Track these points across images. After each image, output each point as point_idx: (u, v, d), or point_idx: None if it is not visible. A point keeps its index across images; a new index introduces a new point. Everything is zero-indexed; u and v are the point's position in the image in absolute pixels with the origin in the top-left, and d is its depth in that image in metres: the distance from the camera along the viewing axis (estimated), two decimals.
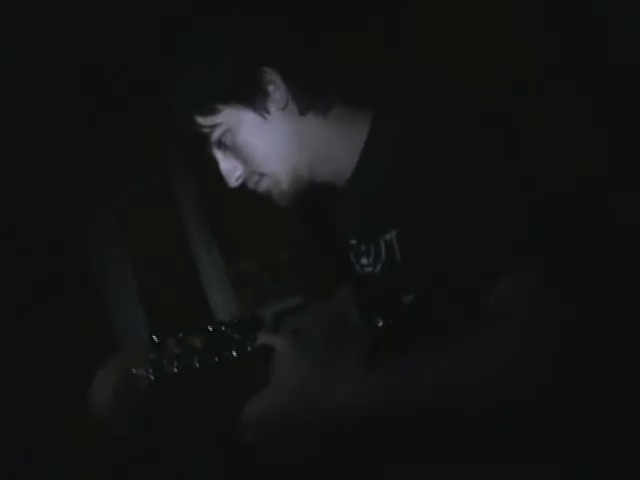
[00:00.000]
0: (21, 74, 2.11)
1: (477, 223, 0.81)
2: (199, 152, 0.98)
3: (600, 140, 1.80)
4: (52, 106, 2.26)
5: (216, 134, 0.94)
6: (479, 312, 0.80)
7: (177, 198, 2.70)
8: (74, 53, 2.10)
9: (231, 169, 0.97)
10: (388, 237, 0.91)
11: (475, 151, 0.83)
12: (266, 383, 0.84)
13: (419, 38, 1.97)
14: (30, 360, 2.42)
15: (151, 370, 0.82)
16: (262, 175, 0.96)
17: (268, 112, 0.93)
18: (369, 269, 0.97)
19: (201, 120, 0.93)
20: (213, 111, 0.92)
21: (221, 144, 0.95)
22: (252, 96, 0.92)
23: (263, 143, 0.94)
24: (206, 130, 0.94)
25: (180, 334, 0.83)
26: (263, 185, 0.97)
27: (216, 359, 0.83)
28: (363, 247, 0.97)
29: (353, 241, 1.00)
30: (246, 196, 1.00)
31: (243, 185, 0.98)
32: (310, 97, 0.94)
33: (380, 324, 0.95)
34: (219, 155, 0.97)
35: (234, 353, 0.83)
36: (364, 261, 0.98)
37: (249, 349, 0.84)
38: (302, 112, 0.94)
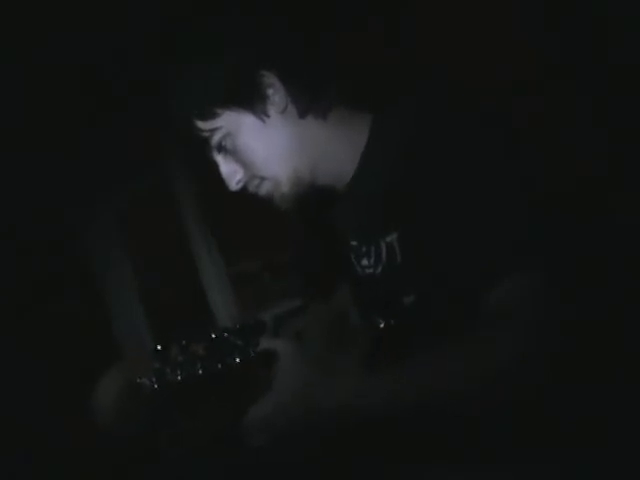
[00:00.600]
0: (21, 74, 2.11)
1: (477, 224, 0.81)
2: (199, 155, 0.98)
3: (600, 140, 1.80)
4: (52, 106, 2.26)
5: (216, 138, 0.94)
6: (479, 312, 0.81)
7: (177, 198, 2.70)
8: (74, 53, 2.10)
9: (231, 173, 0.97)
10: (389, 238, 0.91)
11: (475, 151, 0.83)
12: (269, 387, 0.84)
13: (419, 38, 1.97)
14: (30, 360, 2.42)
15: (154, 378, 0.82)
16: (263, 178, 0.96)
17: (268, 115, 0.93)
18: (370, 270, 0.97)
19: (201, 124, 0.93)
20: (213, 115, 0.92)
21: (221, 148, 0.95)
22: (251, 99, 0.92)
23: (263, 146, 0.94)
24: (206, 134, 0.94)
25: (183, 342, 0.83)
26: (264, 188, 0.97)
27: (219, 366, 0.82)
28: (364, 248, 0.97)
29: (354, 242, 1.00)
30: (246, 196, 1.00)
31: (244, 189, 0.98)
32: (310, 100, 0.94)
33: (381, 325, 0.95)
34: (219, 159, 0.97)
35: (237, 359, 0.83)
36: (365, 262, 0.98)
37: (252, 355, 0.84)
38: (302, 115, 0.94)
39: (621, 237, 1.49)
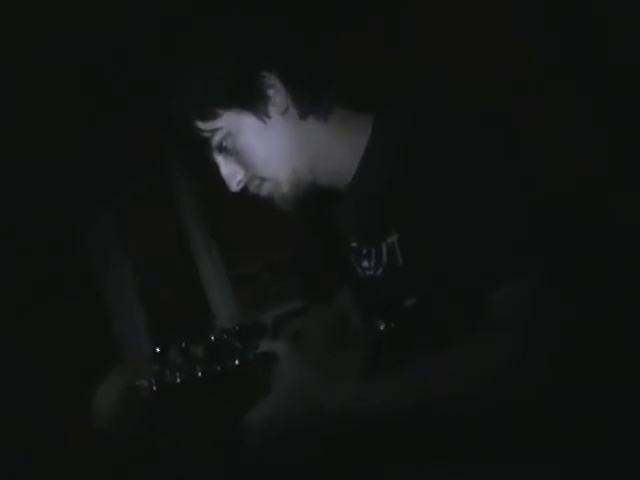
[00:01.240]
0: (21, 74, 2.11)
1: (477, 224, 0.81)
2: (199, 155, 0.98)
3: (600, 140, 1.80)
4: (52, 106, 2.26)
5: (217, 138, 0.94)
6: (479, 312, 0.81)
7: (177, 198, 2.70)
8: (74, 53, 2.09)
9: (232, 173, 0.97)
10: (390, 240, 0.91)
11: (475, 152, 0.83)
12: (268, 389, 0.84)
13: (419, 38, 1.97)
14: (30, 360, 2.42)
15: (153, 381, 0.82)
16: (263, 179, 0.96)
17: (268, 116, 0.93)
18: (370, 272, 0.97)
19: (201, 124, 0.93)
20: (213, 115, 0.92)
21: (222, 148, 0.95)
22: (252, 100, 0.92)
23: (264, 147, 0.94)
24: (207, 134, 0.93)
25: (183, 344, 0.83)
26: (264, 189, 0.97)
27: (218, 368, 0.82)
28: (364, 250, 0.97)
29: (354, 244, 1.00)
30: (247, 197, 1.00)
31: (244, 189, 0.98)
32: (310, 101, 0.94)
33: (382, 327, 0.95)
34: (220, 159, 0.97)
35: (236, 361, 0.83)
36: (365, 264, 0.97)
37: (250, 357, 0.84)
38: (302, 116, 0.94)
39: (621, 237, 1.49)
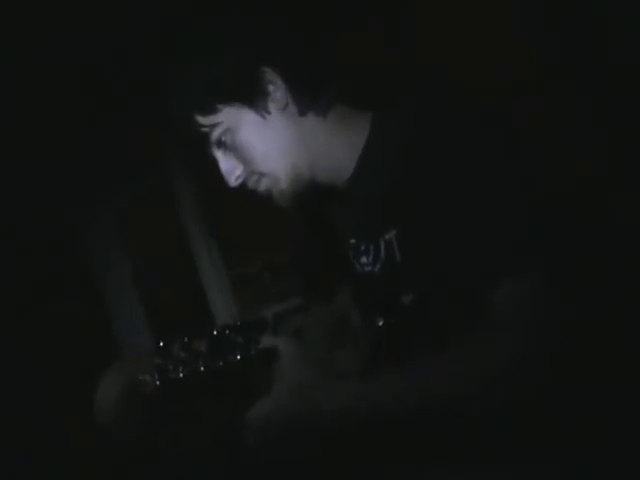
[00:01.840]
0: (21, 74, 2.11)
1: (477, 223, 0.81)
2: (199, 152, 0.98)
3: (600, 140, 1.80)
4: (52, 106, 2.26)
5: (216, 133, 0.94)
6: (479, 312, 0.81)
7: (177, 198, 2.70)
8: (74, 53, 2.10)
9: (231, 169, 0.97)
10: (388, 237, 0.91)
11: (475, 151, 0.83)
12: (269, 386, 0.84)
13: (419, 38, 1.97)
14: (30, 360, 2.42)
15: (156, 375, 0.82)
16: (262, 175, 0.96)
17: (268, 112, 0.93)
18: (369, 268, 0.97)
19: (201, 119, 0.93)
20: (213, 110, 0.92)
21: (221, 143, 0.95)
22: (252, 96, 0.92)
23: (263, 143, 0.94)
24: (206, 129, 0.94)
25: (185, 339, 0.83)
26: (263, 185, 0.97)
27: (220, 363, 0.82)
28: (363, 246, 0.97)
29: (353, 240, 1.00)
30: (246, 196, 1.00)
31: (243, 185, 0.98)
32: (310, 97, 0.94)
33: (380, 323, 0.95)
34: (219, 155, 0.97)
35: (238, 357, 0.83)
36: (364, 260, 0.98)
37: (253, 353, 0.84)
38: (302, 112, 0.94)
39: (621, 237, 1.49)
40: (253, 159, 0.95)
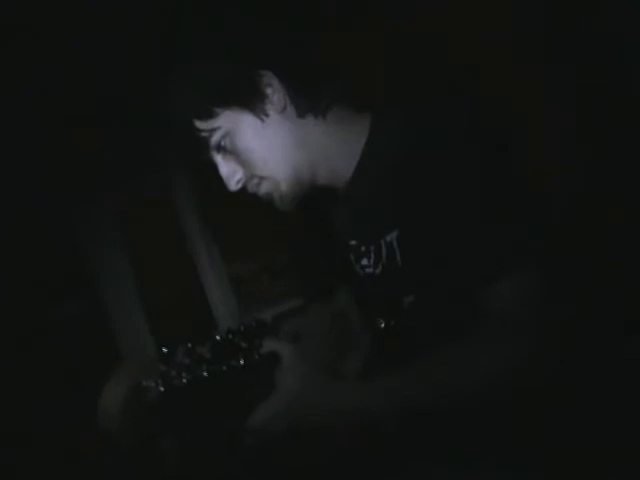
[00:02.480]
0: (21, 74, 2.11)
1: (476, 223, 0.81)
2: (199, 155, 0.97)
3: (599, 141, 1.81)
4: (52, 106, 2.26)
5: (215, 138, 0.94)
6: (479, 312, 0.81)
7: (177, 198, 2.70)
8: (73, 55, 2.10)
9: (231, 173, 0.97)
10: (388, 238, 0.91)
11: (474, 151, 0.83)
12: (270, 390, 0.84)
13: (419, 38, 1.97)
14: (30, 360, 2.42)
15: (160, 381, 0.81)
16: (262, 178, 0.96)
17: (267, 115, 0.93)
18: (369, 270, 0.97)
19: (200, 124, 0.93)
20: (212, 115, 0.92)
21: (220, 148, 0.95)
22: (251, 99, 0.91)
23: (262, 146, 0.94)
24: (205, 134, 0.93)
25: (189, 344, 0.83)
26: (263, 188, 0.97)
27: (224, 367, 0.82)
28: (363, 248, 0.97)
29: (353, 242, 1.00)
30: (246, 197, 1.00)
31: (243, 188, 0.98)
32: (309, 99, 0.94)
33: (381, 325, 0.95)
34: (218, 159, 0.96)
35: (241, 362, 0.83)
36: (364, 262, 0.98)
37: (256, 357, 0.84)
38: (301, 115, 0.94)
39: (621, 237, 1.49)
40: (253, 163, 0.94)
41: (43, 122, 2.32)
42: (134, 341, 2.69)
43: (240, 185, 0.97)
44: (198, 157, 0.98)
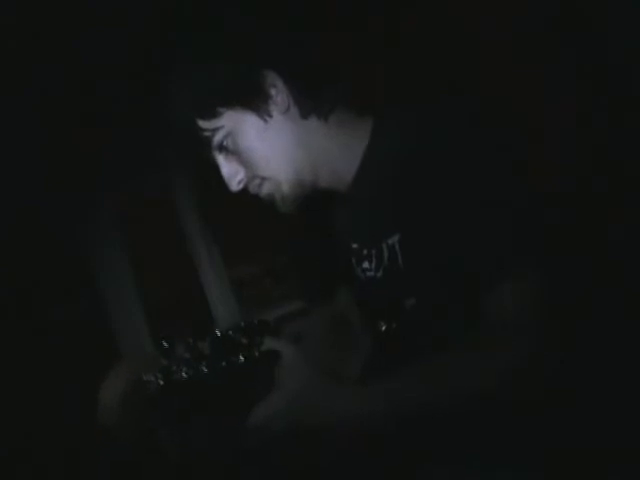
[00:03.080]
0: (21, 74, 2.11)
1: (477, 226, 0.81)
2: (200, 155, 0.97)
3: (600, 139, 1.80)
4: (52, 106, 2.26)
5: (217, 137, 0.93)
6: (480, 315, 0.81)
7: (177, 199, 2.70)
8: (74, 54, 2.09)
9: (233, 173, 0.96)
10: (390, 241, 0.91)
11: (475, 154, 0.83)
12: (270, 388, 0.84)
13: (419, 38, 1.97)
14: (29, 360, 2.42)
15: (160, 376, 0.81)
16: (264, 179, 0.96)
17: (270, 115, 0.93)
18: (371, 273, 0.97)
19: (202, 123, 0.92)
20: (215, 114, 0.92)
21: (222, 147, 0.95)
22: (254, 99, 0.91)
23: (264, 146, 0.94)
24: (207, 133, 0.93)
25: (190, 339, 0.83)
26: (265, 189, 0.97)
27: (223, 364, 0.82)
28: (365, 251, 0.97)
29: (355, 245, 1.00)
30: (247, 198, 0.99)
31: (245, 189, 0.98)
32: (312, 101, 0.94)
33: (383, 328, 0.95)
34: (220, 159, 0.96)
35: (241, 358, 0.83)
36: (365, 265, 0.97)
37: (256, 354, 0.84)
38: (304, 116, 0.94)
39: (621, 238, 1.49)
40: (255, 163, 0.94)
41: (43, 122, 2.31)
42: (134, 341, 2.68)
43: (241, 185, 0.97)
44: (200, 157, 0.98)
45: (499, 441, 0.87)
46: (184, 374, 0.81)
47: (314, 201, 0.99)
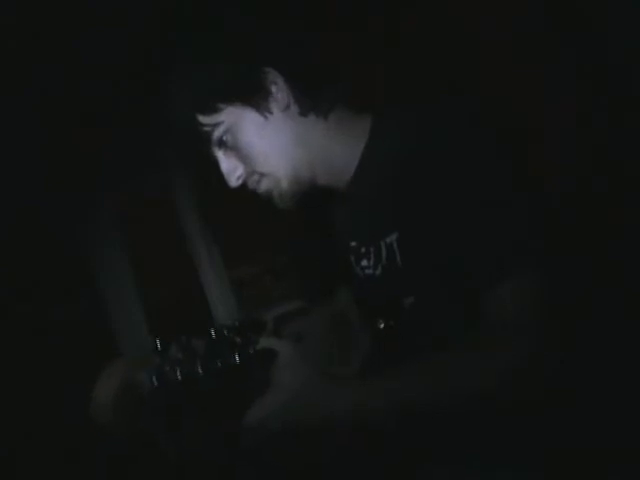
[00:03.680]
0: (21, 74, 2.11)
1: (476, 225, 0.81)
2: (200, 152, 0.97)
3: (600, 139, 1.80)
4: (52, 106, 2.26)
5: (217, 133, 0.94)
6: (479, 314, 0.81)
7: (177, 199, 2.70)
8: (74, 53, 2.09)
9: (232, 169, 0.97)
10: (388, 239, 0.91)
11: (474, 152, 0.83)
12: (267, 388, 0.84)
13: (419, 38, 1.97)
14: (29, 360, 2.42)
15: (154, 376, 0.81)
16: (262, 175, 0.96)
17: (270, 112, 0.93)
18: (369, 271, 0.97)
19: (203, 118, 0.93)
20: (215, 109, 0.92)
21: (222, 143, 0.95)
22: (254, 96, 0.92)
23: (264, 143, 0.94)
24: (207, 129, 0.93)
25: (184, 339, 0.83)
26: (263, 185, 0.97)
27: (218, 364, 0.82)
28: (363, 249, 0.97)
29: (353, 243, 1.00)
30: (247, 197, 1.00)
31: (243, 185, 0.98)
32: (312, 98, 0.94)
33: (381, 326, 0.95)
34: (220, 154, 0.97)
35: (237, 357, 0.83)
36: (364, 263, 0.98)
37: (251, 353, 0.84)
38: (303, 113, 0.94)
39: (621, 238, 1.49)
40: (254, 159, 0.94)
41: (43, 122, 2.31)
42: (134, 341, 2.68)
43: (240, 181, 0.97)
44: (199, 152, 0.98)
45: (499, 441, 0.87)
46: (178, 374, 0.81)
47: (313, 199, 0.99)
